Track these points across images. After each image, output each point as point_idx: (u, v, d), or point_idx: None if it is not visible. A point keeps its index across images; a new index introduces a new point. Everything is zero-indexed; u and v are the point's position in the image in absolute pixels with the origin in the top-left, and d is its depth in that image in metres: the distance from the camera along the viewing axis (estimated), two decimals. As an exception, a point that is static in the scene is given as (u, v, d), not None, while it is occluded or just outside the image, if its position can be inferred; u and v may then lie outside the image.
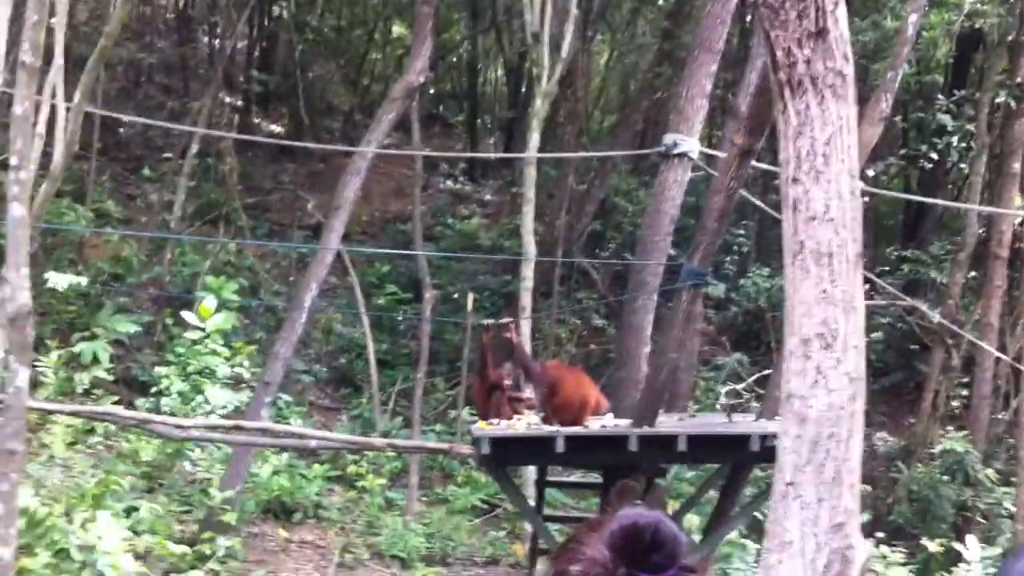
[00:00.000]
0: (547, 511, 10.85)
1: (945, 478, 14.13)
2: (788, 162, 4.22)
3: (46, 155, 8.78)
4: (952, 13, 14.37)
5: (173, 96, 21.82)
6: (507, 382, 8.94)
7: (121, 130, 19.75)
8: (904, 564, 11.14)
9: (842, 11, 4.19)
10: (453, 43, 24.92)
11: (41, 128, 7.46)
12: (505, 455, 8.57)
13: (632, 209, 19.03)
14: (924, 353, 16.97)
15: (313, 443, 9.87)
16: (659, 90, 18.62)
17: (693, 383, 15.13)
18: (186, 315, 12.61)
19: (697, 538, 10.15)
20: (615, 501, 7.86)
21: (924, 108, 17.32)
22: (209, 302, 12.53)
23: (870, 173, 15.45)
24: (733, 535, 11.01)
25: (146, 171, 18.38)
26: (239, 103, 21.63)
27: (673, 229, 11.07)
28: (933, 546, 11.65)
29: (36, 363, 11.47)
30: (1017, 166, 15.25)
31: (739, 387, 13.61)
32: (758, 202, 12.78)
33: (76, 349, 12.75)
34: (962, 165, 17.19)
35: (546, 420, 8.50)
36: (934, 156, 16.45)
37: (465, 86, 25.59)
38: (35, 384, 11.42)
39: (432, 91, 25.64)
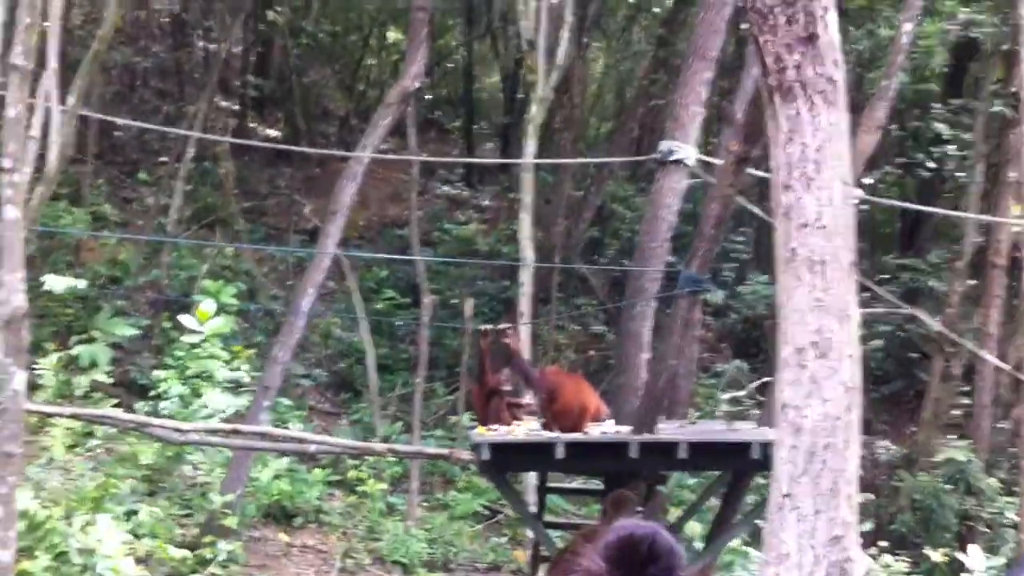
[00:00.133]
0: (548, 517, 10.84)
1: (947, 487, 14.09)
2: (779, 169, 4.17)
3: (41, 158, 8.80)
4: (947, 22, 14.39)
5: (169, 100, 21.84)
6: (506, 388, 8.94)
7: (117, 134, 19.75)
8: (907, 574, 11.13)
9: (832, 16, 4.13)
10: (449, 49, 24.94)
11: (36, 131, 7.48)
12: (505, 461, 8.56)
13: (630, 215, 19.06)
14: (924, 362, 16.96)
15: (313, 447, 9.88)
16: (655, 97, 18.64)
17: (693, 390, 15.13)
18: (184, 319, 12.61)
19: (699, 546, 10.14)
20: (611, 511, 7.86)
21: (920, 117, 17.35)
22: (207, 306, 12.52)
23: (867, 181, 15.47)
24: (735, 543, 11.00)
25: (142, 175, 18.40)
26: (235, 107, 21.65)
27: (671, 236, 11.08)
28: (936, 556, 11.62)
29: (34, 366, 11.47)
30: (1014, 175, 15.24)
31: (740, 394, 13.61)
32: (756, 209, 12.79)
33: (74, 352, 12.76)
34: (959, 174, 17.22)
35: (546, 426, 8.50)
36: (931, 165, 16.47)
37: (461, 92, 25.61)
38: (34, 387, 11.42)
39: (428, 96, 25.65)
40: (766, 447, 8.05)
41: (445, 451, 10.52)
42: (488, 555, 13.17)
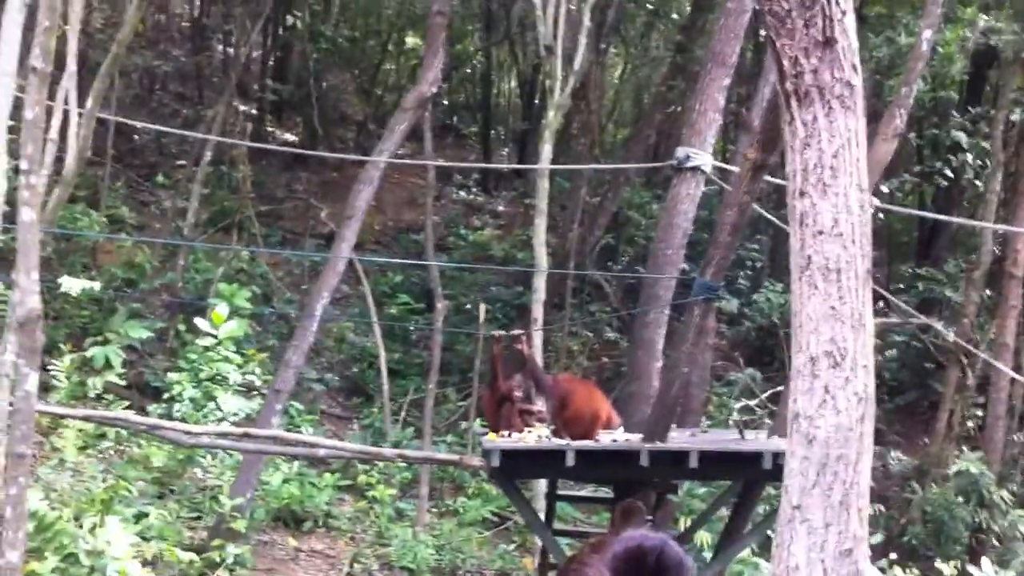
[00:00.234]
0: (557, 525, 10.79)
1: (959, 499, 13.99)
2: (795, 174, 4.09)
3: (59, 160, 8.82)
4: (967, 30, 14.30)
5: (187, 104, 21.94)
6: (517, 394, 8.90)
7: (136, 137, 19.85)
8: (918, 586, 11.04)
9: (851, 21, 4.06)
10: (467, 54, 24.97)
11: (54, 134, 7.50)
12: (515, 468, 8.53)
13: (645, 222, 19.01)
14: (939, 372, 16.84)
15: (323, 452, 9.87)
16: (672, 103, 18.60)
17: (706, 398, 15.07)
18: (199, 322, 12.64)
19: (708, 555, 10.07)
20: (620, 520, 7.80)
21: (939, 125, 17.24)
22: (222, 309, 12.56)
23: (884, 190, 15.38)
24: (745, 553, 10.93)
25: (160, 178, 18.47)
26: (253, 111, 21.72)
27: (686, 243, 11.04)
28: (947, 568, 11.54)
29: (49, 367, 11.51)
30: (1032, 184, 15.17)
31: (752, 403, 13.54)
32: (772, 217, 12.73)
33: (89, 354, 12.80)
34: (977, 182, 17.10)
35: (557, 433, 8.45)
36: (949, 173, 16.36)
37: (479, 97, 25.64)
38: (47, 388, 11.46)
39: (446, 102, 25.70)
40: (777, 457, 7.99)
41: (455, 457, 10.48)
42: (496, 562, 13.13)
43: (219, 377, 12.24)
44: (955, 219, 16.14)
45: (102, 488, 9.91)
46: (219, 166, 18.19)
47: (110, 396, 12.65)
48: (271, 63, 22.77)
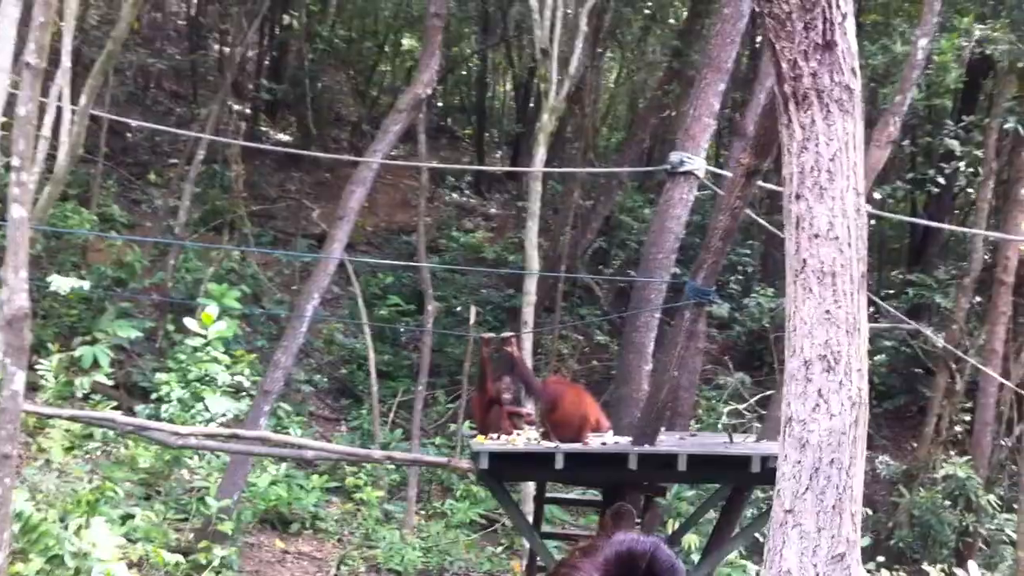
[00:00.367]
0: (546, 528, 10.77)
1: (947, 503, 14.06)
2: (791, 177, 4.06)
3: (51, 158, 8.77)
4: (962, 39, 14.33)
5: (181, 102, 21.88)
6: (507, 396, 8.88)
7: (128, 135, 19.77)
8: (906, 589, 11.06)
9: (851, 24, 4.04)
10: (463, 57, 24.96)
11: (47, 130, 7.45)
12: (504, 470, 8.50)
13: (637, 226, 19.01)
14: (928, 377, 16.92)
15: (310, 454, 9.80)
16: (667, 108, 18.61)
17: (695, 402, 15.07)
18: (188, 322, 12.58)
19: (696, 558, 10.05)
20: (610, 523, 7.78)
21: (932, 133, 17.28)
22: (211, 309, 12.50)
23: (877, 196, 15.41)
24: (733, 556, 10.93)
25: (152, 176, 18.40)
26: (247, 111, 21.66)
27: (678, 247, 11.03)
28: (934, 572, 11.56)
29: (36, 366, 11.43)
30: (1024, 192, 15.21)
31: (741, 407, 13.54)
32: (764, 222, 12.74)
33: (77, 353, 12.72)
34: (969, 190, 17.14)
35: (545, 436, 8.44)
36: (941, 181, 16.41)
37: (473, 100, 25.64)
38: (35, 387, 11.38)
39: (440, 104, 25.69)
40: (766, 461, 7.98)
41: (444, 459, 10.45)
42: (484, 565, 13.09)
43: (207, 378, 12.17)
44: (946, 226, 16.20)
45: (88, 489, 9.82)
46: (212, 165, 18.13)
47: (97, 396, 12.58)
48: (267, 62, 22.72)
